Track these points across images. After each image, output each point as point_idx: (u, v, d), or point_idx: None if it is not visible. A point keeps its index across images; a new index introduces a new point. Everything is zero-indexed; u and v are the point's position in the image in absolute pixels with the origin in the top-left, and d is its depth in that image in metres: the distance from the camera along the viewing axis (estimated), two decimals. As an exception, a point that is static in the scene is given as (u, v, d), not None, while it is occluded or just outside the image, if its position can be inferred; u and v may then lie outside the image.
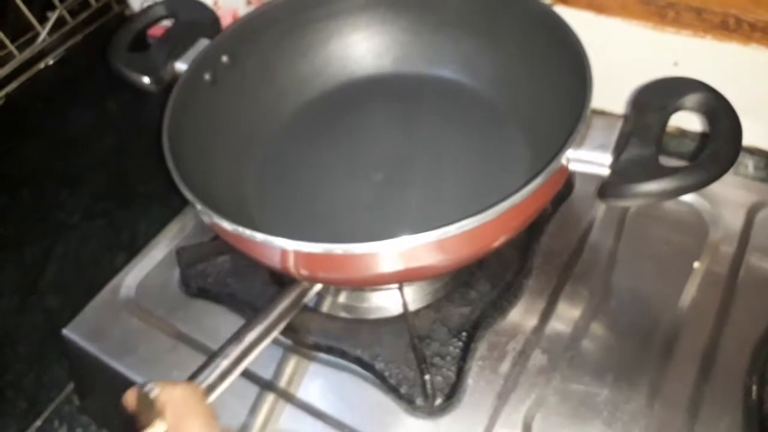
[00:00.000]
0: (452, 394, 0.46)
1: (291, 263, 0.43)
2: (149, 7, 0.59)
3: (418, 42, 0.62)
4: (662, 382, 0.45)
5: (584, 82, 0.46)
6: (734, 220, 0.53)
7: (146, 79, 0.54)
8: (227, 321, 0.53)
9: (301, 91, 0.61)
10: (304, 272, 0.44)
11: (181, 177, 0.43)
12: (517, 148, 0.55)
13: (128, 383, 0.50)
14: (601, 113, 0.46)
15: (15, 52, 0.83)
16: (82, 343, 0.54)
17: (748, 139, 0.62)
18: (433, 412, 0.46)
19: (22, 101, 0.82)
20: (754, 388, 0.44)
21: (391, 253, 0.39)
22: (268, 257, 0.43)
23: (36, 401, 0.62)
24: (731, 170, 0.51)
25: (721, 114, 0.44)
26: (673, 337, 0.47)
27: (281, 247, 0.40)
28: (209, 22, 0.58)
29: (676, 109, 0.45)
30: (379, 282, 0.48)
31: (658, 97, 0.46)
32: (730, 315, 0.47)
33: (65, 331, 0.54)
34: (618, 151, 0.43)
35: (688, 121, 0.63)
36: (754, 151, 0.63)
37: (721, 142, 0.42)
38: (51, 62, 0.87)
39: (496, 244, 0.44)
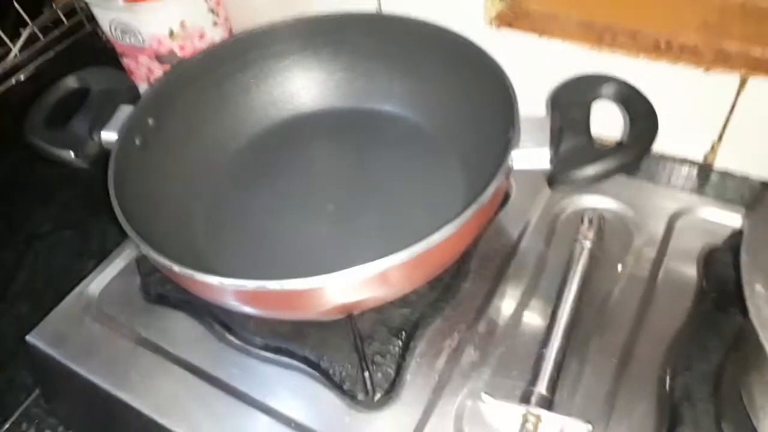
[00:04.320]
0: (391, 389, 0.49)
1: (233, 301, 0.47)
2: (60, 81, 0.61)
3: (340, 79, 0.66)
4: (583, 376, 0.49)
5: (508, 93, 0.51)
6: (656, 227, 0.57)
7: (71, 154, 0.56)
8: (185, 326, 0.56)
9: (233, 139, 0.65)
10: (247, 309, 0.48)
11: (131, 225, 0.47)
12: (455, 172, 0.59)
13: (91, 386, 0.53)
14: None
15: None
16: (46, 348, 0.56)
17: (678, 150, 0.67)
18: (373, 407, 0.49)
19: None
20: (667, 379, 0.48)
21: (338, 285, 0.43)
22: (211, 296, 0.48)
23: (4, 404, 0.64)
24: (656, 180, 0.56)
25: (635, 99, 0.49)
26: (595, 335, 0.51)
27: (217, 285, 0.44)
28: (125, 89, 0.61)
29: (594, 99, 0.50)
30: (326, 314, 0.50)
31: (576, 92, 0.51)
32: (648, 314, 0.51)
33: (29, 337, 0.57)
34: (555, 144, 0.48)
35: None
36: (683, 162, 0.67)
37: (640, 124, 0.48)
38: (22, 78, 0.90)
39: (460, 253, 0.49)
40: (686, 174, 0.65)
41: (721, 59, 0.60)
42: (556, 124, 0.50)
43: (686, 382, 0.46)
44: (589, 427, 0.44)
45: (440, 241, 0.43)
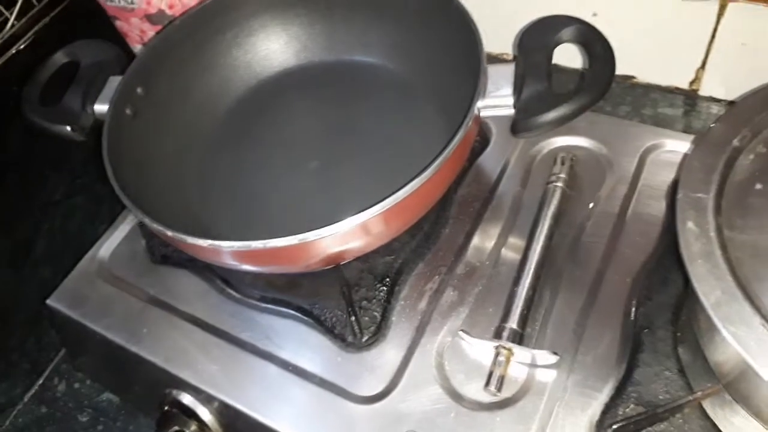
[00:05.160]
0: (377, 331, 0.53)
1: (226, 260, 0.50)
2: (50, 57, 0.63)
3: (319, 33, 0.67)
4: (554, 310, 0.52)
5: (476, 42, 0.52)
6: (628, 164, 0.59)
7: (67, 128, 0.59)
8: (188, 283, 0.61)
9: (220, 100, 0.67)
10: (241, 266, 0.51)
11: (126, 194, 0.50)
12: (433, 119, 0.61)
13: (108, 342, 0.58)
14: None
15: (-16, 40, 0.88)
16: (65, 310, 0.61)
17: (663, 79, 0.68)
18: (362, 347, 0.53)
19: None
20: (633, 310, 0.51)
21: (322, 240, 0.46)
22: (206, 256, 0.51)
23: (37, 362, 0.70)
24: (637, 118, 0.57)
25: (594, 42, 0.51)
26: (566, 271, 0.54)
27: (208, 247, 0.47)
28: (114, 59, 0.63)
29: (556, 43, 0.52)
30: (315, 266, 0.53)
31: (538, 36, 0.53)
32: (616, 249, 0.54)
33: (49, 301, 0.62)
34: (518, 91, 0.50)
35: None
36: (668, 90, 0.68)
37: (599, 66, 0.50)
38: (22, 47, 0.92)
39: (434, 201, 0.52)
40: (681, 102, 0.66)
41: (699, -15, 0.60)
42: (519, 70, 0.51)
43: (647, 312, 0.49)
44: (557, 357, 0.48)
45: (411, 192, 0.46)
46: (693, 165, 0.41)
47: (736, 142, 0.42)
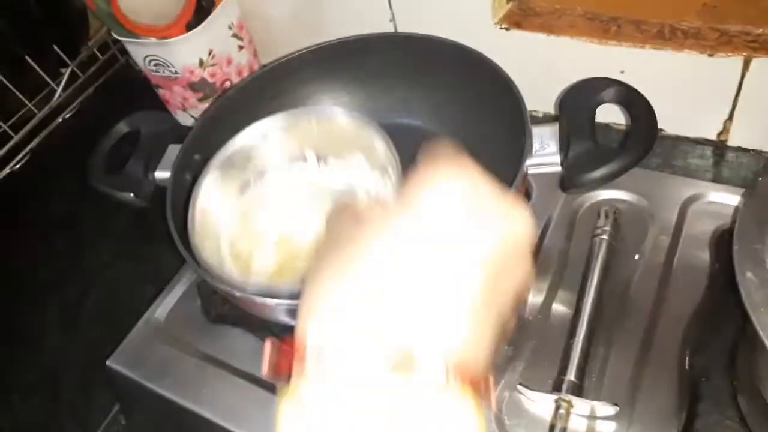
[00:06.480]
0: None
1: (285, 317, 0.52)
2: (112, 128, 0.67)
3: (362, 98, 0.71)
4: (609, 361, 0.53)
5: (519, 105, 0.55)
6: (670, 215, 0.61)
7: (131, 195, 0.62)
8: (245, 341, 0.62)
9: None
10: None
11: (192, 256, 0.52)
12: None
13: (166, 402, 0.59)
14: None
15: (34, 110, 0.92)
16: (125, 371, 0.63)
17: (692, 132, 0.70)
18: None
19: (44, 155, 0.91)
20: (687, 359, 0.52)
21: None
22: (267, 314, 0.54)
23: (87, 424, 0.71)
24: (668, 169, 0.58)
25: (634, 102, 0.53)
26: (618, 322, 0.55)
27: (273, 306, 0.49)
28: (171, 128, 0.66)
29: (598, 104, 0.55)
30: None
31: (580, 97, 0.55)
32: (665, 299, 0.56)
33: (109, 363, 0.64)
34: (564, 150, 0.52)
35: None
36: (700, 141, 0.70)
37: (641, 125, 0.52)
38: (68, 116, 0.96)
39: None
40: (710, 152, 0.68)
41: (723, 42, 0.63)
42: (564, 130, 0.54)
43: (704, 361, 0.50)
44: (617, 408, 0.49)
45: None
46: (746, 217, 0.43)
47: (785, 196, 0.44)
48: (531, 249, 0.33)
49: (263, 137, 0.59)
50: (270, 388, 0.58)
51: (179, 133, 0.65)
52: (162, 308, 0.67)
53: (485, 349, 0.30)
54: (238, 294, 0.50)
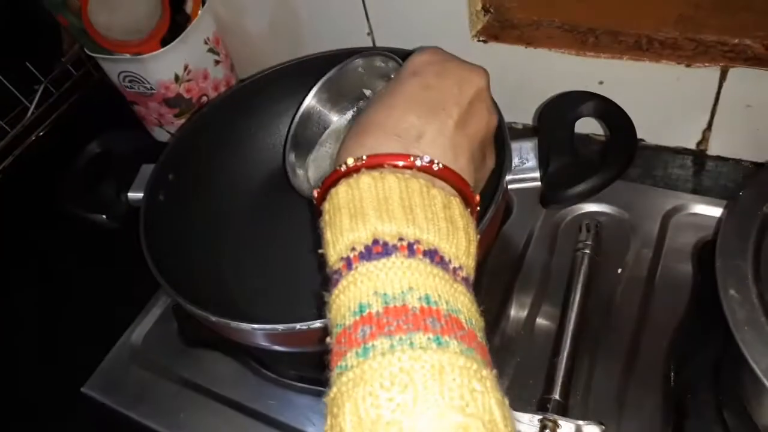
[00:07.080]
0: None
1: (268, 342, 0.51)
2: (84, 148, 0.66)
3: None
4: (594, 378, 0.52)
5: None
6: (651, 227, 0.60)
7: (103, 217, 0.61)
8: (222, 365, 0.61)
9: (247, 181, 0.69)
10: (277, 347, 0.53)
11: (165, 278, 0.51)
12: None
13: (143, 429, 0.58)
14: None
15: (7, 128, 0.91)
16: (100, 397, 0.61)
17: (674, 141, 0.70)
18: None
19: (16, 175, 0.89)
20: (672, 374, 0.51)
21: None
22: (244, 339, 0.52)
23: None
24: (649, 179, 0.58)
25: (614, 116, 0.52)
26: (602, 338, 0.55)
27: (249, 331, 0.48)
28: (144, 147, 0.66)
29: (577, 117, 0.54)
30: None
31: (559, 112, 0.55)
32: (648, 313, 0.55)
33: (84, 389, 0.62)
34: (543, 165, 0.52)
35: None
36: (680, 151, 0.70)
37: (621, 138, 0.51)
38: (41, 133, 0.95)
39: None
40: (690, 162, 0.68)
41: (700, 52, 0.63)
42: (543, 146, 0.53)
43: (687, 376, 0.50)
44: (603, 427, 0.48)
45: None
46: (728, 233, 0.42)
47: (766, 209, 0.43)
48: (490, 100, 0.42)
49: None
50: (249, 412, 0.57)
51: (153, 152, 0.63)
52: (138, 331, 0.66)
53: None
54: (213, 318, 0.48)
